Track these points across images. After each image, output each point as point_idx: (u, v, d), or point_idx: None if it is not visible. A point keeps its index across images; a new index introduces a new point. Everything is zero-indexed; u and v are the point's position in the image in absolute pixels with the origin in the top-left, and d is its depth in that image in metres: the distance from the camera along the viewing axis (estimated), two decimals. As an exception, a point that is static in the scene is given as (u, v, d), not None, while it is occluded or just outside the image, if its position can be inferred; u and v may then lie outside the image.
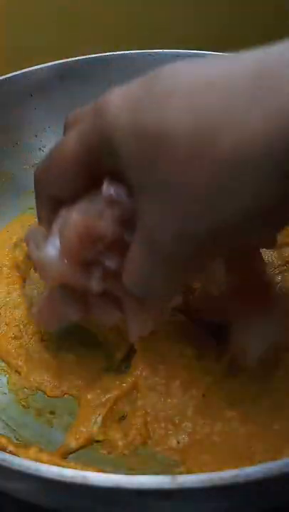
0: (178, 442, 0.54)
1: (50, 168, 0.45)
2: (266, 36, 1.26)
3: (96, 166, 0.41)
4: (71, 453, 0.54)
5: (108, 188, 0.42)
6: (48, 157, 0.46)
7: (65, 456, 0.54)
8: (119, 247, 0.44)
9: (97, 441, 0.55)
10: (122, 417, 0.57)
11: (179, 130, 0.34)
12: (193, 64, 0.37)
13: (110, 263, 0.46)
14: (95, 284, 0.48)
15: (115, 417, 0.56)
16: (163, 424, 0.55)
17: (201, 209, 0.35)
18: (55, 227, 0.49)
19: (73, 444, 0.55)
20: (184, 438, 0.54)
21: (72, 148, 0.42)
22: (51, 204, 0.48)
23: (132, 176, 0.38)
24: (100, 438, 0.55)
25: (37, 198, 0.49)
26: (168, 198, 0.36)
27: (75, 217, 0.46)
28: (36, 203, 0.51)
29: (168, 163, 0.35)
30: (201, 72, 0.36)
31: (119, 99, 0.38)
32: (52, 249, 0.48)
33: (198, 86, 0.35)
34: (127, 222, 0.42)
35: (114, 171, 0.41)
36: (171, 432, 0.55)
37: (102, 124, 0.38)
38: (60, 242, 0.48)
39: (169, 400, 0.56)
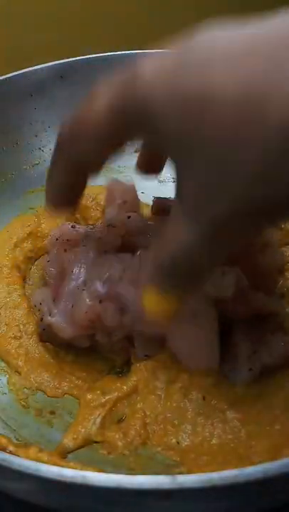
0: (178, 443, 0.54)
1: (76, 128, 0.44)
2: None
3: (123, 131, 0.40)
4: (69, 452, 0.55)
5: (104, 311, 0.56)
6: (75, 115, 0.44)
7: (63, 455, 0.54)
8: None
9: (96, 442, 0.56)
10: (121, 419, 0.57)
11: (227, 95, 0.32)
12: (227, 31, 0.36)
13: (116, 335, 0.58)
14: (100, 338, 0.58)
15: (114, 418, 0.56)
16: (162, 426, 0.55)
17: (252, 178, 0.33)
18: (64, 299, 0.59)
19: (71, 444, 0.55)
20: (183, 439, 0.54)
21: (100, 112, 0.40)
22: (69, 174, 0.46)
23: (171, 142, 0.37)
24: (99, 439, 0.55)
25: (55, 163, 0.46)
26: (215, 163, 0.34)
27: (87, 303, 0.56)
28: (51, 173, 0.47)
29: (215, 127, 0.33)
30: (239, 38, 0.34)
31: (153, 67, 0.36)
32: (62, 318, 0.58)
33: (240, 52, 0.33)
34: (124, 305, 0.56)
35: (143, 138, 0.40)
36: (170, 433, 0.54)
37: (136, 91, 0.37)
38: (72, 319, 0.57)
39: (169, 404, 0.56)
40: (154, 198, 0.66)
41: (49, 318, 0.59)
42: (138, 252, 0.59)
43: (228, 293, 0.55)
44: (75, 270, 0.60)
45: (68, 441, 0.55)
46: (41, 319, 0.60)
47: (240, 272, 0.57)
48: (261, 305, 0.58)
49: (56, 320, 0.58)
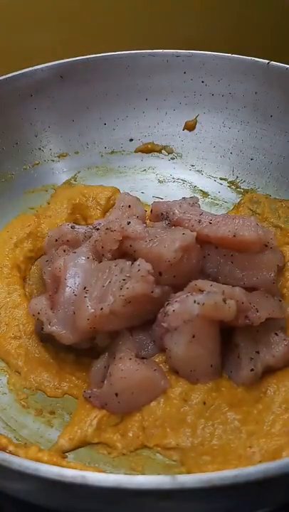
0: (177, 444, 0.54)
1: None
2: (264, 37, 1.27)
3: None
4: (65, 452, 0.55)
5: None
6: None
7: (63, 455, 0.54)
8: None
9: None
10: (118, 422, 0.56)
11: None
12: None
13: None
14: (100, 341, 0.59)
15: (111, 421, 0.56)
16: (161, 429, 0.55)
17: None
18: (61, 302, 0.59)
19: (67, 444, 0.55)
20: (183, 441, 0.54)
21: None
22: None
23: None
24: (95, 440, 0.55)
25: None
26: None
27: (89, 311, 0.56)
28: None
29: None
30: None
31: None
32: (62, 326, 0.59)
33: None
34: None
35: None
36: (170, 436, 0.54)
37: None
38: (74, 326, 0.58)
39: (168, 409, 0.56)
40: (154, 197, 0.66)
41: (49, 327, 0.59)
42: (137, 261, 0.59)
43: (229, 318, 0.55)
44: (69, 277, 0.60)
45: (64, 442, 0.55)
46: (42, 329, 0.60)
47: (240, 293, 0.57)
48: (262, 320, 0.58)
49: (56, 329, 0.59)
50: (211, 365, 0.57)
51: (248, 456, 0.52)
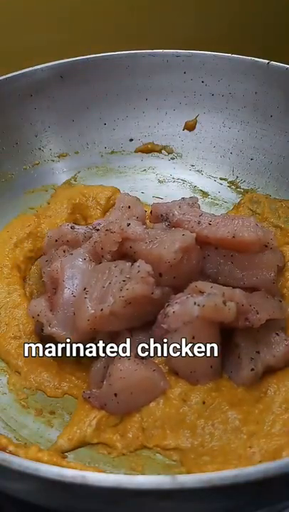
0: (177, 445, 0.54)
1: None
2: (264, 37, 1.26)
3: None
4: (63, 452, 0.55)
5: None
6: None
7: (63, 455, 0.54)
8: None
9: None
10: (117, 423, 0.56)
11: None
12: None
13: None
14: (101, 342, 0.58)
15: (110, 421, 0.56)
16: (160, 430, 0.55)
17: None
18: (61, 304, 0.60)
19: (66, 444, 0.55)
20: (183, 442, 0.54)
21: None
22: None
23: None
24: (94, 441, 0.55)
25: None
26: None
27: (89, 311, 0.56)
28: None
29: None
30: None
31: None
32: (62, 327, 0.59)
33: None
34: None
35: None
36: (169, 437, 0.54)
37: None
38: (74, 327, 0.58)
39: (168, 410, 0.56)
40: (154, 197, 0.66)
41: (49, 328, 0.59)
42: (137, 262, 0.59)
43: (229, 320, 0.55)
44: (67, 279, 0.60)
45: (64, 442, 0.55)
46: (41, 330, 0.60)
47: (240, 295, 0.57)
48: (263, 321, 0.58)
49: (56, 330, 0.59)
50: (211, 366, 0.57)
51: (248, 456, 0.52)
